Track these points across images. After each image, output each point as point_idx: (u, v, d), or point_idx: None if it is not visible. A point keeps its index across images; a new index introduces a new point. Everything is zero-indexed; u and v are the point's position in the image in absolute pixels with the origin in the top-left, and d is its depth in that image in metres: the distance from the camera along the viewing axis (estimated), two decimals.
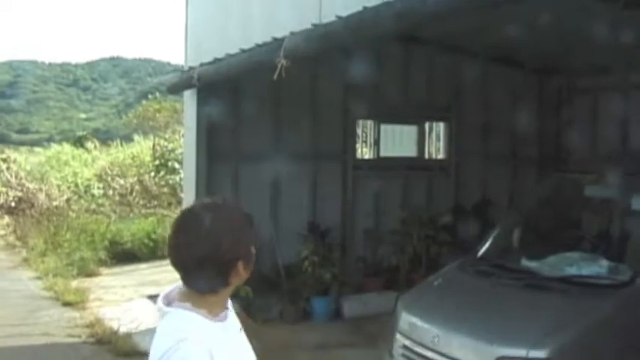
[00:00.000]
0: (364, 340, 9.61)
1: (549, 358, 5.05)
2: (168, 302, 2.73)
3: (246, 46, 8.19)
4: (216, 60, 9.06)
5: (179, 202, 18.72)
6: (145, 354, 8.25)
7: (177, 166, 20.99)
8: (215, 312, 2.68)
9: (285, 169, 10.79)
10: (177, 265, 2.69)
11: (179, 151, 21.02)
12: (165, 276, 13.20)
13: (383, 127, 11.75)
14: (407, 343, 6.03)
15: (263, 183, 10.70)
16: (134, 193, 20.35)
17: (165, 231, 16.15)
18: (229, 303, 2.81)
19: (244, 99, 10.47)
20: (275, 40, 7.17)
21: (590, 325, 5.30)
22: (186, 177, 11.00)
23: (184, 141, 11.33)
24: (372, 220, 11.35)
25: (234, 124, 10.50)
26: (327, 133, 11.15)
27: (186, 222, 2.67)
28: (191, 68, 9.91)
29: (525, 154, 12.49)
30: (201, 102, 10.02)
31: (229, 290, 2.70)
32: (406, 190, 11.79)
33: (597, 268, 5.89)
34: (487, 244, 6.96)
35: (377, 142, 11.72)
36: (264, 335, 9.78)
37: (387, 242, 11.25)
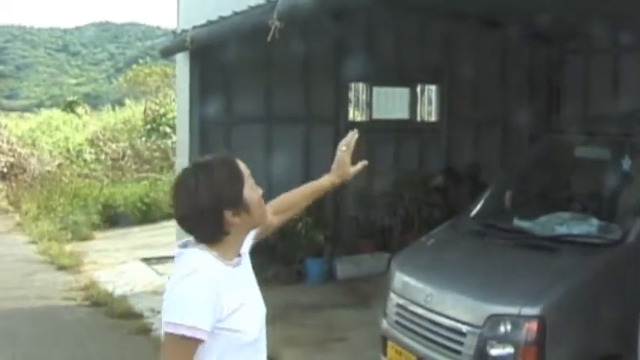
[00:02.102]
0: (357, 301, 9.72)
1: (541, 315, 5.12)
2: (185, 246, 2.93)
3: (239, 9, 8.19)
4: (209, 23, 9.05)
5: (171, 166, 18.77)
6: (140, 315, 8.38)
7: (168, 130, 21.06)
8: (227, 256, 2.90)
9: (277, 132, 10.86)
10: (177, 222, 2.94)
11: (170, 115, 21.05)
12: (159, 239, 13.36)
13: (375, 89, 11.76)
14: (400, 302, 6.10)
15: (256, 146, 10.70)
16: (126, 158, 20.41)
17: (157, 195, 16.25)
18: (244, 250, 3.04)
19: (237, 62, 10.45)
20: (268, 1, 7.18)
21: (581, 282, 5.37)
22: (179, 140, 11.04)
23: (177, 105, 11.34)
24: (365, 182, 11.39)
25: (227, 88, 10.51)
26: (319, 95, 11.14)
27: (175, 184, 2.93)
28: (183, 31, 9.89)
29: (516, 117, 12.50)
30: (194, 65, 10.01)
31: (236, 237, 2.92)
32: (398, 153, 11.83)
33: (588, 227, 5.96)
34: (479, 205, 7.02)
35: (369, 105, 11.74)
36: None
37: (379, 204, 11.32)
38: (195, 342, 2.73)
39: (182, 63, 10.43)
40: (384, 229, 11.38)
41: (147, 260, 12.00)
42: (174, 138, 19.92)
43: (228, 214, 2.83)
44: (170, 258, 11.48)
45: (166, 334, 2.75)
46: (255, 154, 10.62)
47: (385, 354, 6.30)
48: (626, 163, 6.21)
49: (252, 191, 2.94)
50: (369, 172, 11.34)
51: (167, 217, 15.14)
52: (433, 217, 11.25)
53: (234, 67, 10.43)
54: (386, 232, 11.31)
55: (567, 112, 12.42)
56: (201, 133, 10.17)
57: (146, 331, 8.66)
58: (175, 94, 11.63)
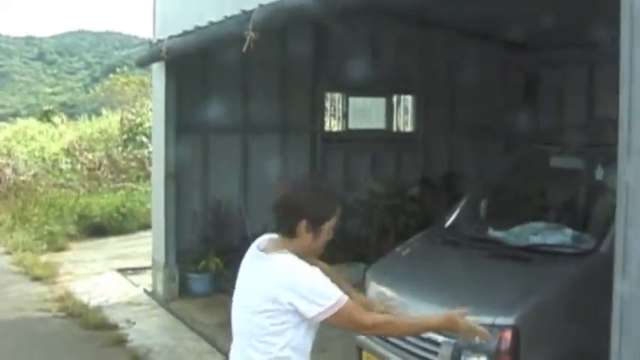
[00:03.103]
0: None
1: (515, 325, 5.14)
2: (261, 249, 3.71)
3: (215, 19, 8.20)
4: (185, 32, 9.05)
5: (147, 176, 18.70)
6: (115, 326, 8.31)
7: (145, 140, 20.97)
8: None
9: (254, 142, 10.89)
10: (274, 207, 3.64)
11: (147, 125, 20.96)
12: (135, 250, 13.30)
13: (351, 100, 11.82)
14: None
15: (232, 155, 10.75)
16: (102, 168, 20.28)
17: (134, 204, 16.18)
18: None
19: (213, 72, 10.47)
20: (244, 12, 7.19)
21: (555, 291, 5.40)
22: (155, 150, 11.01)
23: (153, 114, 11.31)
24: (341, 192, 11.41)
25: (203, 97, 10.50)
26: (295, 105, 11.20)
27: (277, 193, 3.68)
28: (159, 41, 9.88)
29: (493, 127, 12.57)
30: (169, 75, 10.01)
31: (297, 246, 3.57)
32: (374, 163, 11.88)
33: (561, 236, 6.00)
34: (454, 215, 7.05)
35: (345, 115, 11.80)
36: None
37: (355, 214, 11.33)
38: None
39: (158, 72, 10.42)
40: (360, 238, 11.38)
41: (122, 271, 11.96)
42: (150, 148, 19.89)
43: (302, 226, 3.52)
44: (145, 269, 11.49)
45: (338, 312, 3.41)
46: (231, 163, 10.69)
47: None
48: (599, 173, 6.25)
49: (329, 229, 3.61)
50: (345, 181, 11.48)
51: (144, 227, 15.11)
52: (409, 226, 11.26)
53: (211, 77, 10.46)
54: (362, 242, 11.31)
55: (543, 121, 12.49)
56: (177, 142, 10.16)
57: (121, 342, 8.61)
58: (152, 103, 11.60)
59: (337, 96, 11.79)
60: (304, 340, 3.58)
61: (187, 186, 10.40)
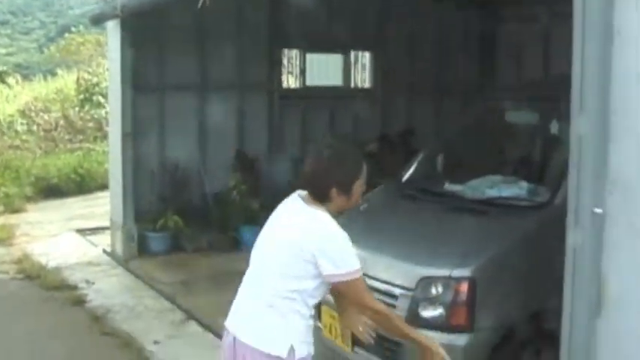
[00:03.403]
0: None
1: (472, 277, 5.20)
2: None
3: None
4: None
5: (105, 136, 18.53)
6: (75, 287, 8.26)
7: (102, 100, 20.73)
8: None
9: (211, 100, 10.82)
10: (304, 182, 3.93)
11: (104, 84, 20.70)
12: (93, 210, 13.23)
13: (308, 56, 11.78)
14: None
15: (189, 114, 10.71)
16: (59, 129, 20.02)
17: (91, 165, 16.05)
18: None
19: (169, 30, 10.39)
20: None
21: (511, 243, 5.44)
22: (112, 110, 10.90)
23: (109, 73, 11.17)
24: (299, 149, 11.42)
25: (160, 56, 10.45)
26: (252, 62, 11.14)
27: (313, 152, 4.07)
28: None
29: (450, 83, 12.63)
30: (125, 33, 9.86)
31: (333, 207, 3.88)
32: (332, 119, 11.88)
33: (517, 189, 6.04)
34: (411, 170, 7.07)
35: (303, 72, 11.76)
36: (194, 264, 9.93)
37: None
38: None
39: (113, 31, 10.27)
40: None
41: (81, 232, 11.87)
42: (107, 108, 19.66)
43: (334, 191, 3.83)
44: (104, 229, 11.43)
45: (347, 282, 3.80)
46: (188, 121, 10.65)
47: (320, 319, 6.32)
48: (554, 127, 6.29)
49: (360, 186, 3.98)
50: (302, 138, 11.48)
51: (101, 187, 15.02)
52: (367, 183, 11.31)
53: (167, 35, 10.37)
54: None
55: (501, 77, 12.58)
56: (134, 101, 10.07)
57: (80, 302, 8.59)
58: (107, 62, 11.46)
59: (294, 53, 11.73)
60: (314, 291, 3.85)
61: (144, 145, 10.33)
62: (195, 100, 10.73)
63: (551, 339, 5.41)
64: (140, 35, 10.02)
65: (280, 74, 11.60)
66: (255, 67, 11.18)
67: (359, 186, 3.98)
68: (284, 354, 3.84)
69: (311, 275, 3.78)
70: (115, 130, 10.41)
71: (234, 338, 4.02)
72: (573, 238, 3.96)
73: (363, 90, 12.43)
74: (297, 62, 11.77)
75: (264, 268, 3.99)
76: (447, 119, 12.28)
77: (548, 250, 5.47)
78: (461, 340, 5.21)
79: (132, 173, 10.12)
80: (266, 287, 3.92)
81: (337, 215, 3.88)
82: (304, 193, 3.96)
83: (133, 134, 10.06)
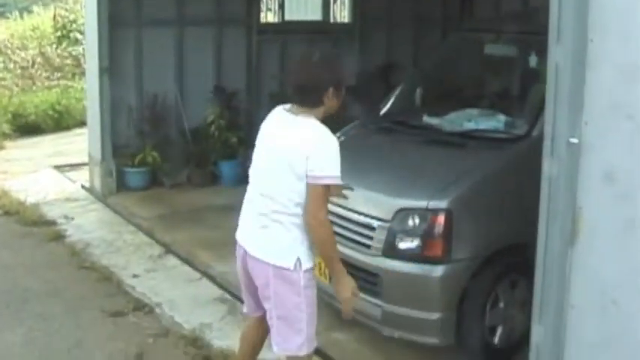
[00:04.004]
0: None
1: (449, 209, 5.22)
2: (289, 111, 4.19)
3: None
4: None
5: (83, 73, 18.28)
6: (54, 222, 8.22)
7: (79, 36, 20.44)
8: None
9: (188, 35, 10.71)
10: (296, 89, 4.15)
11: (81, 21, 20.40)
12: (72, 147, 13.14)
13: None
14: None
15: (166, 48, 10.56)
16: (36, 66, 19.76)
17: (69, 102, 15.90)
18: None
19: None
20: None
21: (488, 175, 5.47)
22: (88, 44, 10.74)
23: (85, 8, 10.99)
24: (277, 84, 11.35)
25: None
26: None
27: (299, 60, 4.30)
28: None
29: (429, 15, 12.55)
30: None
31: (322, 111, 4.14)
32: None
33: (495, 122, 6.05)
34: (389, 103, 7.07)
35: (281, 6, 11.62)
36: (173, 199, 9.93)
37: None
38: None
39: None
40: None
41: (59, 168, 11.79)
42: (85, 44, 19.40)
43: (330, 91, 4.06)
44: (82, 165, 11.37)
45: (321, 184, 4.02)
46: (166, 56, 10.53)
47: None
48: (533, 60, 6.29)
49: (344, 87, 4.18)
50: (282, 73, 11.39)
51: (80, 124, 14.89)
52: (347, 117, 11.29)
53: None
54: None
55: (479, 10, 12.52)
56: (111, 36, 9.94)
57: (59, 237, 8.57)
58: None
59: None
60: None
61: (122, 81, 10.19)
62: (172, 35, 10.58)
63: (526, 271, 5.52)
64: None
65: (259, 9, 11.43)
66: (233, 1, 11.03)
67: (344, 85, 4.21)
68: (291, 266, 4.13)
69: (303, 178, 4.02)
70: (91, 66, 10.27)
71: (245, 250, 4.34)
72: (549, 167, 3.97)
73: (342, 24, 12.32)
74: None
75: (265, 183, 4.22)
76: (425, 52, 12.26)
77: (524, 183, 5.52)
78: (437, 271, 5.29)
79: (109, 108, 10.01)
80: (270, 203, 4.16)
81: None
82: (288, 106, 4.19)
83: (110, 70, 9.93)
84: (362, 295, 5.58)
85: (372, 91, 11.57)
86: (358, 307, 5.68)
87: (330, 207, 5.83)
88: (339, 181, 4.12)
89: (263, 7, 11.60)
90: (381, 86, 11.66)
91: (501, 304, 5.55)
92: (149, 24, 10.39)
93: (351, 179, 5.87)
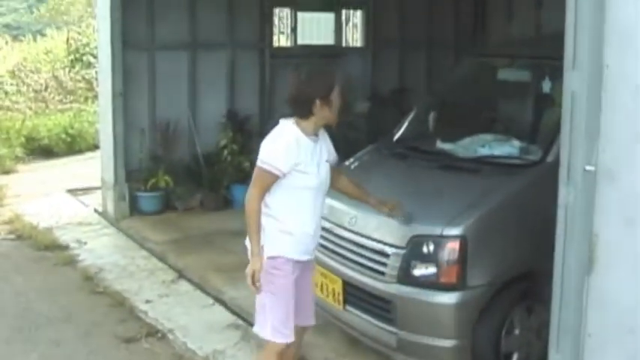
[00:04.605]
0: None
1: (463, 235, 5.18)
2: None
3: None
4: None
5: (95, 97, 18.40)
6: (66, 247, 8.22)
7: (92, 60, 20.56)
8: (307, 132, 4.66)
9: (201, 58, 10.75)
10: (288, 102, 4.71)
11: (94, 44, 20.56)
12: (85, 170, 13.17)
13: (300, 15, 11.66)
14: (326, 225, 6.07)
15: (180, 72, 10.61)
16: (49, 89, 19.88)
17: (82, 125, 15.96)
18: (321, 132, 4.82)
19: None
20: None
21: (502, 202, 5.41)
22: (102, 68, 10.77)
23: (98, 31, 11.04)
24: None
25: (149, 13, 10.32)
26: (243, 21, 11.03)
27: (292, 76, 4.78)
28: None
29: (441, 39, 12.55)
30: None
31: (316, 119, 4.65)
32: None
33: (509, 148, 6.00)
34: (403, 129, 7.04)
35: (294, 30, 11.65)
36: (185, 223, 9.92)
37: None
38: (271, 175, 4.58)
39: None
40: None
41: (72, 192, 11.82)
42: (98, 68, 19.49)
43: (317, 103, 4.54)
44: (95, 189, 11.39)
45: (257, 166, 4.61)
46: (179, 80, 10.59)
47: None
48: (546, 85, 6.25)
49: (337, 98, 4.63)
50: None
51: (92, 147, 14.97)
52: (359, 142, 11.28)
53: None
54: None
55: (492, 34, 12.53)
56: (124, 59, 9.99)
57: (72, 262, 8.58)
58: (97, 20, 11.31)
59: (286, 11, 11.61)
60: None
61: (135, 104, 10.25)
62: (185, 58, 10.62)
63: (542, 297, 5.47)
64: None
65: (272, 33, 11.47)
66: (247, 25, 11.07)
67: (336, 96, 4.61)
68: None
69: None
70: (105, 89, 10.31)
71: None
72: (565, 195, 3.94)
73: (354, 48, 12.33)
74: (289, 21, 11.64)
75: None
76: (438, 76, 12.26)
77: (539, 209, 5.48)
78: (452, 298, 5.23)
79: (123, 132, 10.05)
80: None
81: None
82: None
83: (123, 92, 9.97)
84: (376, 322, 5.62)
85: (384, 116, 11.61)
86: (372, 334, 5.70)
87: (343, 233, 5.89)
88: (269, 168, 4.58)
89: (276, 30, 11.61)
90: (393, 110, 11.69)
91: (517, 331, 5.48)
92: (162, 48, 10.45)
93: (365, 205, 5.88)
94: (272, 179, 4.61)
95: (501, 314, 5.38)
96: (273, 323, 4.73)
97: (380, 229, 5.59)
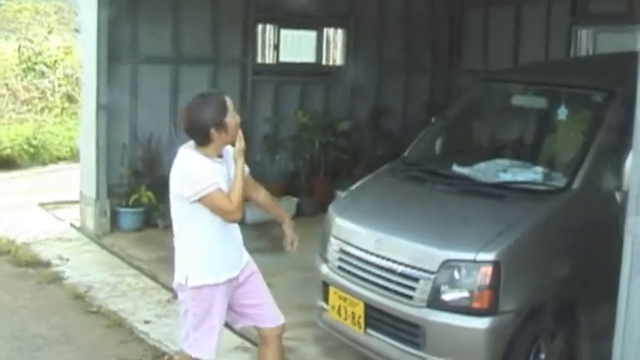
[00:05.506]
0: (271, 245, 9.61)
1: (497, 261, 5.18)
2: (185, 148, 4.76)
3: None
4: None
5: (51, 108, 18.11)
6: (48, 263, 7.98)
7: (46, 69, 20.19)
8: (210, 156, 4.67)
9: (184, 73, 10.62)
10: (185, 132, 4.74)
11: (47, 54, 20.26)
12: (51, 183, 12.88)
13: (283, 32, 11.61)
14: (345, 248, 6.06)
15: (162, 86, 10.47)
16: (5, 98, 19.40)
17: (45, 137, 15.62)
18: (227, 152, 4.79)
19: (143, 1, 10.15)
20: None
21: (534, 227, 5.44)
22: (85, 81, 10.52)
23: (82, 43, 10.79)
24: (271, 126, 11.31)
25: (132, 27, 10.17)
26: (227, 37, 10.95)
27: (186, 107, 4.74)
28: None
29: (419, 62, 12.64)
30: (101, 2, 9.57)
31: (217, 145, 4.67)
32: (304, 96, 11.75)
33: (532, 174, 6.02)
34: (414, 151, 7.02)
35: (277, 47, 11.58)
36: (169, 240, 9.65)
37: (286, 148, 11.27)
38: (218, 191, 4.59)
39: (88, 1, 9.94)
40: (289, 173, 11.32)
41: (44, 205, 11.52)
42: (52, 77, 19.15)
43: (212, 131, 4.57)
44: (68, 203, 11.13)
45: (204, 197, 4.57)
46: (161, 94, 10.45)
47: (326, 300, 6.26)
48: (562, 113, 6.30)
49: (232, 119, 4.65)
50: (274, 114, 11.36)
51: (56, 160, 14.69)
52: (340, 161, 11.29)
53: (140, 6, 10.13)
54: (293, 176, 11.26)
55: (468, 58, 12.70)
56: (109, 73, 9.81)
57: (58, 279, 8.35)
58: (81, 34, 11.04)
59: (269, 27, 11.53)
60: (197, 216, 4.72)
61: (117, 118, 10.05)
62: (168, 73, 10.49)
63: (565, 322, 5.51)
64: (114, 6, 9.73)
65: (255, 49, 11.38)
66: (230, 41, 10.98)
67: (231, 118, 4.64)
68: (183, 281, 4.88)
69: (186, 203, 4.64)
70: (88, 102, 10.09)
71: None
72: (633, 225, 3.94)
73: (334, 67, 12.32)
74: (272, 37, 11.57)
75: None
76: (415, 98, 12.37)
77: (567, 236, 5.53)
78: (484, 323, 5.22)
79: (106, 147, 9.85)
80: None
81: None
82: (190, 142, 4.75)
83: (107, 106, 9.79)
84: (401, 346, 5.58)
85: (364, 136, 11.65)
86: (396, 358, 5.65)
87: (366, 256, 5.84)
88: (212, 187, 4.59)
89: (258, 47, 11.52)
90: (372, 131, 11.75)
91: (542, 355, 5.50)
92: (145, 61, 10.31)
93: (389, 228, 5.85)
94: (221, 194, 4.62)
95: (530, 339, 5.40)
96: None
97: (408, 254, 5.55)
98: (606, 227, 5.44)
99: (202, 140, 4.62)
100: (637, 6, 9.21)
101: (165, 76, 10.48)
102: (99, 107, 9.72)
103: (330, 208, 6.59)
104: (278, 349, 5.21)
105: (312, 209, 10.45)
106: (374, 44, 12.19)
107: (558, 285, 5.41)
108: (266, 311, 5.17)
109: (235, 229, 4.98)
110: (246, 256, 5.16)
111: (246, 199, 4.90)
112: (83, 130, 10.65)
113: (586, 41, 11.10)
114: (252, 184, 5.11)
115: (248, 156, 4.97)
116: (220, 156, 4.74)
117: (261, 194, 5.33)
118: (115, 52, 9.94)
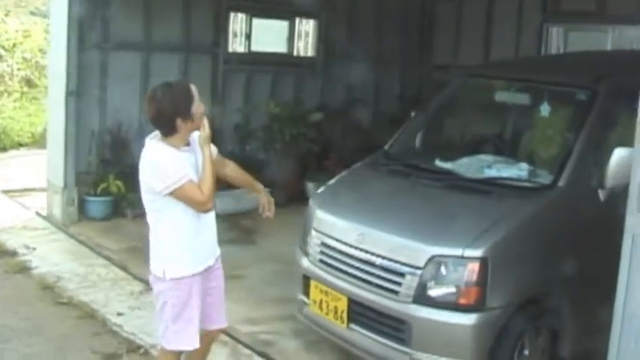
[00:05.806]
0: (242, 237, 9.64)
1: (484, 257, 5.15)
2: (151, 139, 4.65)
3: None
4: None
5: (10, 93, 17.74)
6: (15, 253, 7.77)
7: (3, 53, 19.80)
8: (177, 146, 4.57)
9: (155, 60, 10.45)
10: (150, 121, 4.61)
11: (5, 37, 19.91)
12: (13, 170, 12.61)
13: (255, 21, 11.47)
14: (326, 241, 5.99)
15: (132, 74, 10.25)
16: None
17: (5, 122, 15.32)
18: (193, 140, 4.69)
19: None
20: None
21: (520, 224, 5.41)
22: (52, 67, 10.24)
23: (51, 29, 10.53)
24: (242, 115, 11.19)
25: (102, 13, 9.96)
26: (198, 25, 10.79)
27: (149, 96, 4.60)
28: None
29: (389, 54, 12.61)
30: None
31: (183, 135, 4.58)
32: (275, 87, 11.65)
33: (517, 170, 5.99)
34: (395, 145, 6.95)
35: (248, 37, 11.45)
36: (137, 230, 9.50)
37: (257, 138, 11.15)
38: (190, 183, 4.48)
39: None
40: (259, 163, 11.20)
41: (7, 192, 11.25)
42: (10, 61, 18.78)
43: (179, 121, 4.49)
44: (31, 190, 10.92)
45: (175, 190, 4.45)
46: (132, 81, 10.25)
47: (307, 294, 6.18)
48: (545, 110, 6.28)
49: (197, 107, 4.57)
50: (245, 104, 11.24)
51: (17, 145, 14.42)
52: (311, 152, 11.21)
53: None
54: (263, 167, 11.15)
55: (439, 51, 12.71)
56: (79, 60, 9.60)
57: (25, 269, 8.13)
58: (50, 19, 10.79)
59: (241, 16, 11.38)
60: (170, 209, 4.60)
61: (86, 105, 9.84)
62: (138, 60, 10.30)
63: (549, 319, 5.51)
64: None
65: (226, 38, 11.23)
66: (201, 29, 10.83)
67: (197, 107, 4.56)
68: (160, 274, 4.73)
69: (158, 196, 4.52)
70: (56, 88, 9.84)
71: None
72: (633, 224, 3.93)
73: (306, 58, 12.23)
74: (244, 26, 11.43)
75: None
76: (385, 90, 12.34)
77: (553, 232, 5.52)
78: (471, 319, 5.20)
79: (75, 134, 9.64)
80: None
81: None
82: (156, 133, 4.65)
83: (75, 93, 9.59)
84: (386, 341, 5.52)
85: (335, 128, 11.59)
86: (380, 353, 5.59)
87: (349, 250, 5.77)
88: (183, 180, 4.46)
89: (230, 36, 11.38)
90: (343, 122, 11.69)
91: (526, 352, 5.48)
92: (115, 47, 10.12)
93: (374, 222, 5.79)
94: (192, 185, 4.51)
95: (516, 335, 5.38)
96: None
97: (394, 249, 5.50)
98: (592, 225, 5.47)
99: (168, 130, 4.52)
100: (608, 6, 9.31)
101: (136, 63, 10.29)
102: (68, 94, 9.49)
103: (311, 201, 6.52)
104: (208, 351, 5.23)
105: (283, 200, 10.32)
106: (346, 36, 12.11)
107: (544, 282, 5.41)
108: (218, 313, 5.09)
109: (210, 217, 4.82)
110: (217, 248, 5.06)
111: (219, 179, 4.83)
112: (51, 116, 10.39)
113: (557, 39, 11.14)
114: (220, 162, 4.98)
115: (218, 145, 4.93)
116: (187, 144, 4.65)
117: (229, 168, 5.15)
118: (84, 37, 9.72)
